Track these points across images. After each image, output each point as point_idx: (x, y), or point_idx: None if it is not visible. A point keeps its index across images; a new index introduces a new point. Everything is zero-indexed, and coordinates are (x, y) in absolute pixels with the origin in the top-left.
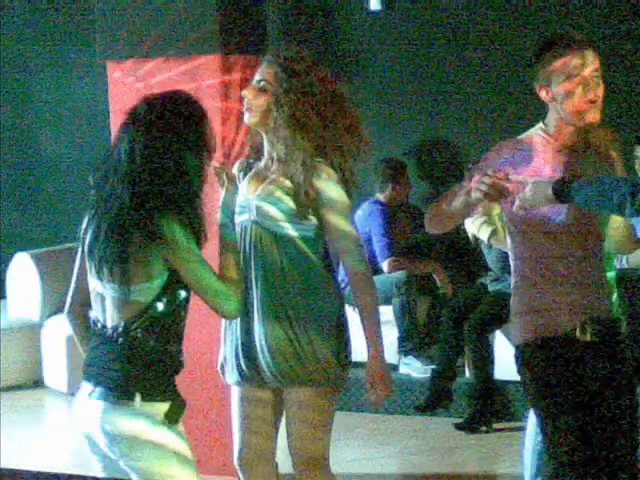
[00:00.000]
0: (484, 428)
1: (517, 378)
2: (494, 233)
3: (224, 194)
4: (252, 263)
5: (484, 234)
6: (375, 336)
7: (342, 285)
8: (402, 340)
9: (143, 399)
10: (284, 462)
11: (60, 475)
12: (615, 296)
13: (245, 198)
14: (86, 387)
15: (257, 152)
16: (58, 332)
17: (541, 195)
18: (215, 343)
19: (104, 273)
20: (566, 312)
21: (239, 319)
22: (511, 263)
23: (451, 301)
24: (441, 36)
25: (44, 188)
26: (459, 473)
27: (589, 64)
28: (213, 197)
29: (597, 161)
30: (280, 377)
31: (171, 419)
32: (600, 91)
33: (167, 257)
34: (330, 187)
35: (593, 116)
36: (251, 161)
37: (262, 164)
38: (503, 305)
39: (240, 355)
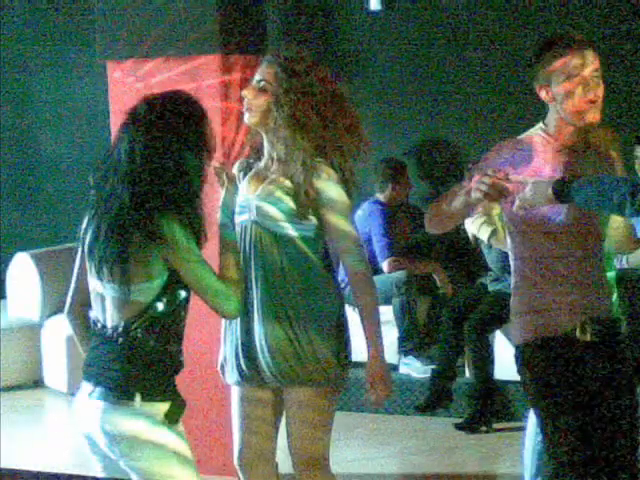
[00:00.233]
0: (484, 428)
1: (517, 378)
2: (494, 233)
3: (224, 194)
4: (252, 263)
5: (484, 234)
6: (375, 336)
7: (342, 285)
8: (402, 340)
9: (143, 399)
10: (284, 462)
11: (60, 475)
12: (615, 296)
13: (245, 198)
14: (86, 387)
15: (257, 152)
16: (58, 332)
17: (541, 195)
18: (215, 343)
19: (104, 273)
20: (566, 312)
21: (239, 319)
22: (511, 263)
23: (451, 301)
24: (441, 36)
25: (44, 188)
26: (459, 473)
27: (589, 64)
28: (213, 197)
29: (597, 161)
30: (280, 377)
31: (171, 419)
32: (600, 91)
33: (167, 257)
34: (330, 187)
35: (593, 116)
36: (251, 161)
37: (262, 164)
38: (503, 305)
39: (240, 355)
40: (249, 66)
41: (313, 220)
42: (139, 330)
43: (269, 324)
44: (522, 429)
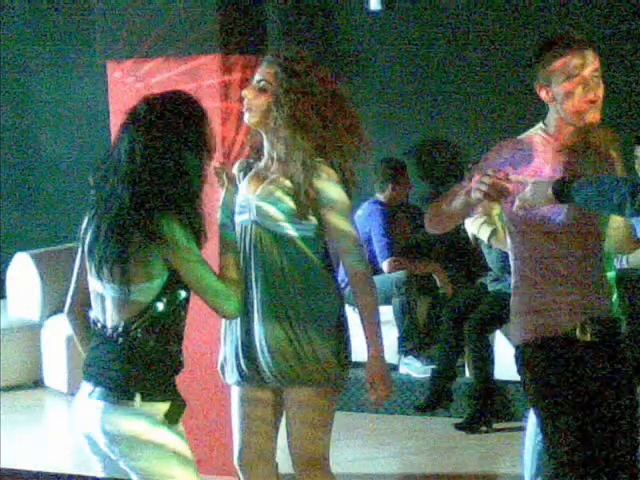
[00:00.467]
0: (484, 428)
1: (517, 378)
2: (494, 233)
3: (224, 194)
4: (252, 263)
5: (484, 234)
6: (375, 336)
7: (342, 285)
8: (402, 340)
9: (143, 399)
10: (284, 462)
11: (60, 475)
12: (615, 296)
13: (245, 198)
14: (86, 387)
15: (257, 152)
16: (58, 332)
17: (541, 195)
18: (215, 343)
19: (104, 273)
20: (566, 312)
21: (239, 319)
22: (511, 263)
23: (451, 301)
24: (441, 36)
25: (44, 188)
26: (459, 473)
27: (589, 64)
28: (213, 197)
29: (597, 161)
30: (280, 377)
31: (171, 419)
32: (600, 91)
33: (167, 257)
34: (330, 187)
35: (593, 116)
36: (251, 161)
37: (262, 164)
38: (503, 305)
39: (240, 355)
40: (249, 66)
41: (313, 220)
42: (139, 330)
43: (269, 324)
44: (522, 429)
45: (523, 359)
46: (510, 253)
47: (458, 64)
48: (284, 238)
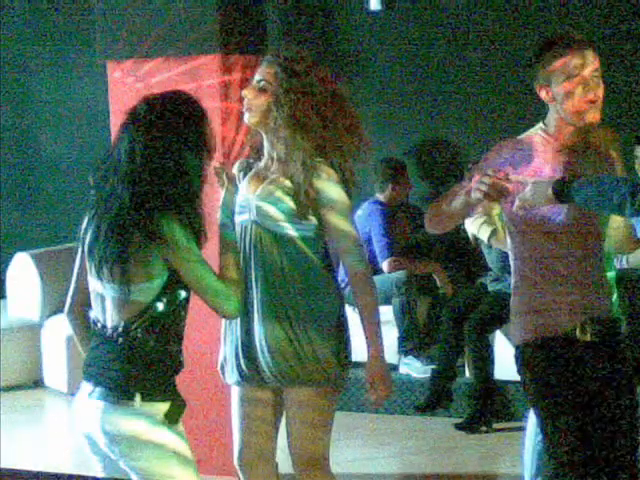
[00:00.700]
0: (484, 428)
1: (517, 378)
2: (494, 233)
3: (224, 194)
4: (252, 263)
5: (484, 234)
6: (375, 336)
7: (342, 285)
8: (402, 340)
9: (143, 399)
10: (284, 462)
11: (60, 475)
12: (615, 296)
13: (245, 198)
14: (86, 387)
15: (257, 152)
16: (58, 332)
17: (541, 195)
18: (215, 343)
19: (104, 273)
20: (566, 312)
21: (239, 319)
22: (511, 263)
23: (451, 301)
24: (441, 36)
25: (44, 188)
26: (459, 473)
27: (589, 64)
28: (213, 197)
29: (597, 161)
30: (280, 377)
31: (171, 419)
32: (600, 91)
33: (167, 257)
34: (330, 187)
35: (593, 116)
36: (251, 161)
37: (262, 164)
38: (503, 305)
39: (240, 355)
40: (249, 66)
41: (313, 220)
42: (139, 330)
43: (269, 324)
44: (522, 429)
45: (523, 359)
46: (510, 253)
47: (458, 64)
48: (284, 238)
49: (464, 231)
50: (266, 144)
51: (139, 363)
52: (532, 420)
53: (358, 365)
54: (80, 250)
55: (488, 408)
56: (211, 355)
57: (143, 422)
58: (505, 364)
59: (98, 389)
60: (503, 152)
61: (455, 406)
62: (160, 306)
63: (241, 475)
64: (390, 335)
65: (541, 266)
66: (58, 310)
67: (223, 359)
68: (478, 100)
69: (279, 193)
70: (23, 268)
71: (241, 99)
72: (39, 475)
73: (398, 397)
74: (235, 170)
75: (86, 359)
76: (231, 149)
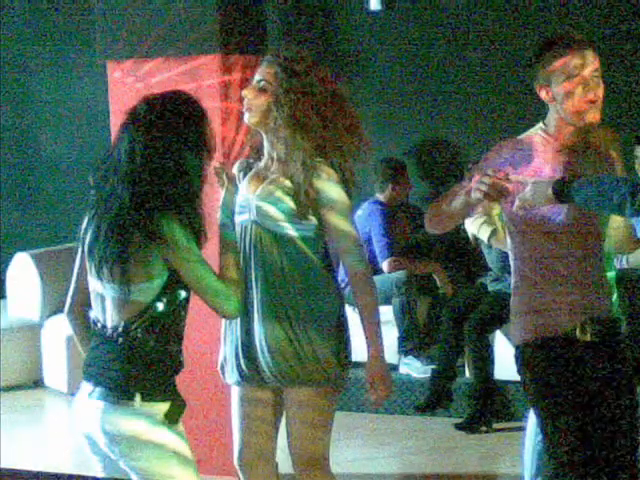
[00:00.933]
0: (484, 428)
1: (517, 378)
2: (494, 233)
3: (224, 194)
4: (252, 263)
5: (484, 234)
6: (375, 336)
7: (342, 285)
8: (402, 340)
9: (143, 399)
10: (284, 462)
11: (60, 475)
12: (615, 296)
13: (245, 198)
14: (86, 387)
15: (257, 152)
16: (58, 332)
17: (541, 195)
18: (215, 343)
19: (104, 273)
20: (566, 312)
21: (239, 319)
22: (511, 263)
23: (451, 301)
24: (441, 36)
25: (44, 188)
26: (459, 473)
27: (589, 64)
28: (213, 197)
29: (597, 161)
30: (280, 377)
31: (171, 419)
32: (600, 91)
33: (167, 257)
34: (330, 187)
35: (593, 116)
36: (251, 161)
37: (262, 164)
38: (503, 305)
39: (240, 355)
40: (249, 66)
41: (313, 220)
42: (139, 330)
43: (269, 324)
44: (522, 429)
45: (523, 359)
46: (510, 253)
47: (458, 64)
48: (284, 238)
49: (464, 231)
50: (266, 144)
51: (139, 363)
52: (532, 420)
53: (358, 365)
54: (80, 250)
55: (488, 408)
56: (211, 355)
57: (143, 422)
58: (505, 364)
59: (98, 389)
60: (503, 152)
61: (455, 406)
62: (160, 306)
63: (241, 475)
64: (390, 335)
65: (541, 266)
66: (58, 310)
67: (223, 359)
68: (478, 100)
69: (279, 193)
70: (23, 268)
71: (241, 99)
72: (39, 475)
73: (398, 397)
74: (235, 170)
75: (86, 359)
76: (231, 149)
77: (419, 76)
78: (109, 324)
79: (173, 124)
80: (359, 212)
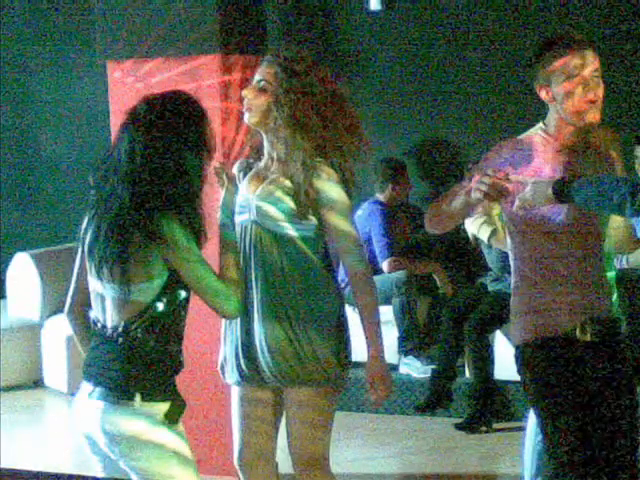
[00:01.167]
0: (484, 428)
1: (517, 378)
2: (494, 233)
3: (224, 194)
4: (252, 263)
5: (484, 234)
6: (375, 336)
7: (342, 285)
8: (402, 340)
9: (143, 399)
10: (284, 462)
11: (60, 475)
12: (615, 296)
13: (245, 198)
14: (86, 387)
15: (257, 152)
16: (58, 332)
17: (541, 195)
18: (215, 343)
19: (104, 273)
20: (566, 312)
21: (239, 319)
22: (511, 263)
23: (451, 301)
24: (441, 36)
25: (44, 188)
26: (459, 473)
27: (589, 64)
28: (213, 197)
29: (597, 161)
30: (280, 377)
31: (171, 419)
32: (600, 91)
33: (167, 257)
34: (330, 187)
35: (593, 116)
36: (251, 161)
37: (262, 164)
38: (503, 305)
39: (240, 355)
40: (249, 66)
41: (313, 220)
42: (139, 330)
43: (269, 324)
44: (522, 429)
45: (523, 359)
46: (510, 253)
47: (458, 64)
48: (284, 238)
49: (464, 231)
50: (266, 144)
51: (139, 363)
52: (532, 420)
53: (358, 365)
54: (80, 250)
55: (488, 408)
56: (211, 355)
57: (143, 422)
58: (505, 364)
59: (98, 389)
60: (503, 152)
61: (455, 406)
62: (160, 306)
63: (241, 475)
64: (390, 335)
65: (541, 266)
66: (58, 310)
67: (223, 359)
68: (478, 100)
69: (279, 193)
70: (23, 268)
71: (241, 99)
72: (39, 475)
73: (398, 397)
74: (235, 170)
75: (86, 359)
76: (231, 149)
77: (419, 76)
78: (109, 324)
79: (173, 124)
80: (359, 212)
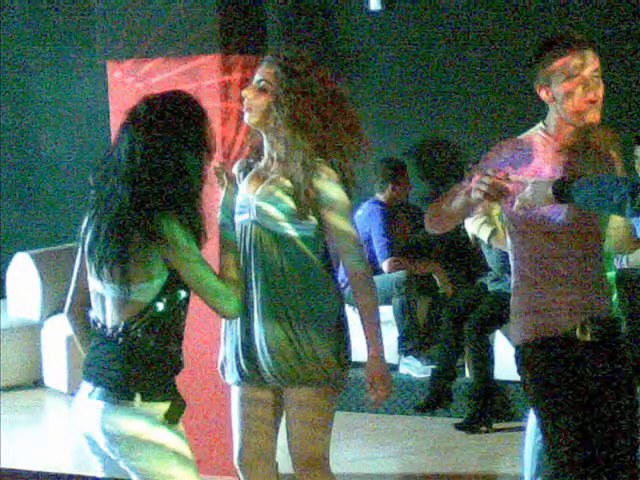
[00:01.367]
0: (484, 428)
1: (517, 378)
2: (494, 233)
3: (224, 194)
4: (252, 263)
5: (484, 234)
6: (375, 336)
7: (342, 285)
8: (402, 340)
9: (143, 399)
10: (284, 462)
11: (60, 475)
12: (615, 296)
13: (245, 198)
14: (86, 387)
15: (257, 152)
16: (58, 332)
17: (541, 195)
18: (215, 343)
19: (104, 273)
20: (566, 312)
21: (239, 319)
22: (511, 263)
23: (451, 301)
24: (441, 36)
25: (44, 188)
26: (459, 473)
27: (589, 64)
28: (213, 197)
29: (597, 161)
30: (280, 377)
31: (171, 419)
32: (600, 91)
33: (167, 257)
34: (330, 187)
35: (593, 116)
36: (251, 161)
37: (262, 164)
38: (503, 305)
39: (240, 355)
40: (249, 66)
41: (313, 220)
42: (139, 330)
43: (269, 324)
44: (522, 429)
45: (523, 359)
46: (510, 253)
47: (458, 64)
48: (284, 238)
49: (464, 231)
50: (266, 144)
51: (139, 363)
52: (532, 420)
53: (358, 365)
54: (80, 250)
55: (488, 408)
56: (211, 355)
57: (143, 422)
58: (505, 364)
59: (98, 389)
60: (503, 152)
61: (455, 406)
62: (160, 306)
63: (241, 475)
64: (390, 335)
65: (541, 266)
66: (58, 310)
67: (223, 359)
68: (478, 100)
69: (279, 193)
70: (23, 268)
71: (241, 99)
72: (39, 475)
73: (398, 397)
74: (235, 170)
75: (86, 359)
76: (231, 149)
77: (419, 76)
78: (109, 324)
79: (173, 124)
80: (359, 212)
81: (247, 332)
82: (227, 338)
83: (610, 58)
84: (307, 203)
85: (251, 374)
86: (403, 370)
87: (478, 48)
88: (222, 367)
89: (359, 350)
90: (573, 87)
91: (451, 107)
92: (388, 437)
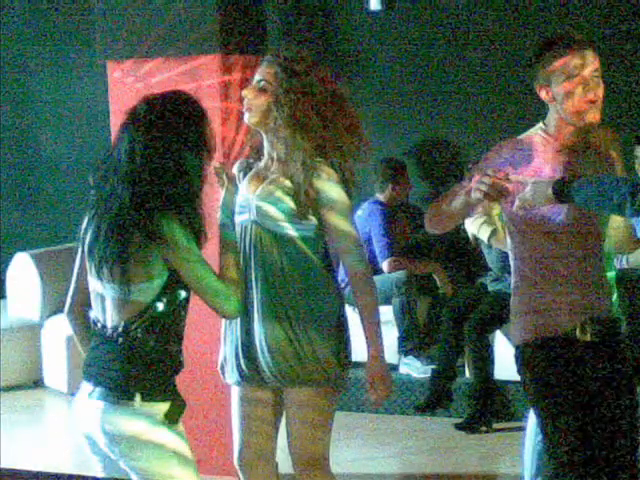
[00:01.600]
0: (484, 428)
1: (517, 378)
2: (494, 233)
3: (224, 194)
4: (252, 263)
5: (484, 234)
6: (375, 336)
7: (342, 285)
8: (402, 340)
9: (143, 399)
10: (284, 462)
11: (60, 475)
12: (615, 296)
13: (245, 198)
14: (86, 387)
15: (257, 152)
16: (58, 332)
17: (541, 195)
18: (215, 343)
19: (104, 273)
20: (566, 312)
21: (239, 319)
22: (511, 263)
23: (451, 301)
24: (441, 36)
25: (44, 188)
26: (459, 473)
27: (589, 64)
28: (213, 197)
29: (597, 161)
30: (280, 377)
31: (171, 419)
32: (600, 91)
33: (167, 257)
34: (330, 187)
35: (593, 116)
36: (251, 161)
37: (262, 164)
38: (503, 305)
39: (240, 355)
40: (249, 66)
41: (313, 220)
42: (139, 330)
43: (269, 324)
44: (522, 429)
45: (523, 359)
46: (510, 253)
47: (458, 64)
48: (284, 238)
49: (464, 231)
50: (266, 144)
51: (139, 363)
52: (532, 420)
53: (358, 365)
54: (80, 250)
55: (488, 408)
56: (211, 355)
57: (143, 422)
58: (505, 364)
59: (98, 389)
60: (503, 152)
61: (455, 406)
62: (160, 306)
63: (241, 475)
64: (390, 335)
65: (541, 266)
66: (58, 310)
67: (223, 359)
68: (478, 100)
69: (279, 193)
70: (23, 268)
71: (241, 99)
72: (39, 475)
73: (398, 397)
74: (235, 170)
75: (86, 359)
76: (231, 149)
77: (419, 76)
78: (109, 324)
79: (173, 124)
80: (359, 212)
81: (247, 332)
82: (227, 338)
83: (610, 58)
84: (307, 203)
85: (251, 374)
86: (403, 370)
87: (478, 48)
88: (222, 367)
89: (359, 350)
90: (573, 87)
91: (451, 107)
92: (388, 437)
